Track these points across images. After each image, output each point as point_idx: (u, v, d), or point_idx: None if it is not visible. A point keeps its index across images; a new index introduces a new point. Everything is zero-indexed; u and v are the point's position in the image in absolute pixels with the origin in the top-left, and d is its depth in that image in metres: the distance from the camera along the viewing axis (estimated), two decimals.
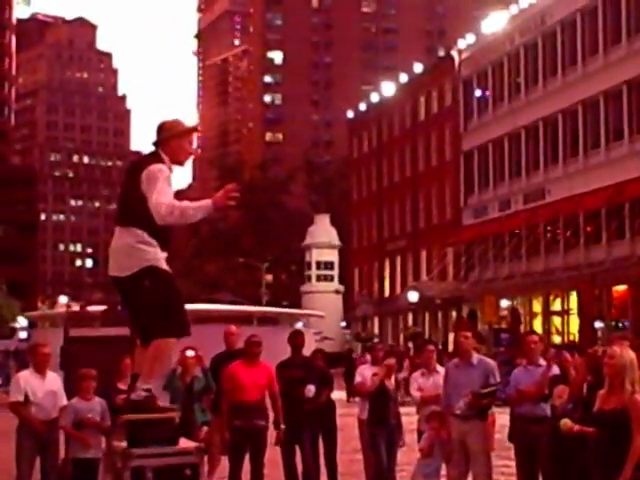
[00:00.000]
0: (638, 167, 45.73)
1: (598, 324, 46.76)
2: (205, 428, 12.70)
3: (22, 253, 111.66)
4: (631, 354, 8.34)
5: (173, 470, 6.84)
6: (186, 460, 6.91)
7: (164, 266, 6.95)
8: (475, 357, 11.09)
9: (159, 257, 6.93)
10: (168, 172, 6.97)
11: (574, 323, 50.33)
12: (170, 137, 7.12)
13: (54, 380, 11.52)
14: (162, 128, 7.20)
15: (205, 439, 11.88)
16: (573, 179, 51.19)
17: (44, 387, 11.26)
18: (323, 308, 56.90)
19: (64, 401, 11.52)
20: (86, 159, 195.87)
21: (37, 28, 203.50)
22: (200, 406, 12.89)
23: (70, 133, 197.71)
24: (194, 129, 7.40)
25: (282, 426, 12.24)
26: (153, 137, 7.16)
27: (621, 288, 48.04)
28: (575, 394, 10.70)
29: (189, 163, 7.40)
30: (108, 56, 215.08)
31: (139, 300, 6.96)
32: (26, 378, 11.38)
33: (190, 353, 12.88)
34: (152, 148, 7.21)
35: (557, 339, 48.96)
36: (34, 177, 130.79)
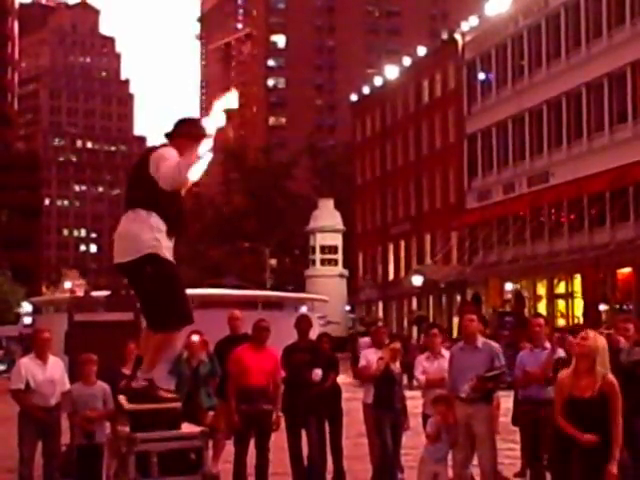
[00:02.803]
0: None
1: (602, 307, 46.78)
2: (211, 413, 12.72)
3: (26, 239, 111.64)
4: (603, 340, 8.19)
5: (178, 454, 6.85)
6: (191, 444, 6.91)
7: (167, 255, 6.94)
8: (480, 340, 11.08)
9: (163, 245, 6.92)
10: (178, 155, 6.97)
11: (578, 306, 50.34)
12: (182, 135, 7.11)
13: (56, 366, 11.53)
14: (180, 123, 7.23)
15: (211, 424, 11.89)
16: (577, 162, 51.08)
17: (45, 373, 11.29)
18: (327, 292, 56.78)
19: (66, 387, 11.54)
20: (89, 144, 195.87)
21: (40, 13, 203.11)
22: (206, 390, 12.91)
23: (73, 118, 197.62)
24: (205, 135, 7.34)
25: (279, 413, 12.30)
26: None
27: (625, 271, 48.00)
28: None
29: None
30: (111, 40, 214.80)
31: (142, 287, 6.98)
32: (27, 365, 11.41)
33: (196, 338, 12.90)
34: (162, 136, 7.25)
35: (561, 322, 48.96)
36: (38, 162, 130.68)
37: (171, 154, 6.89)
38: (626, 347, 10.67)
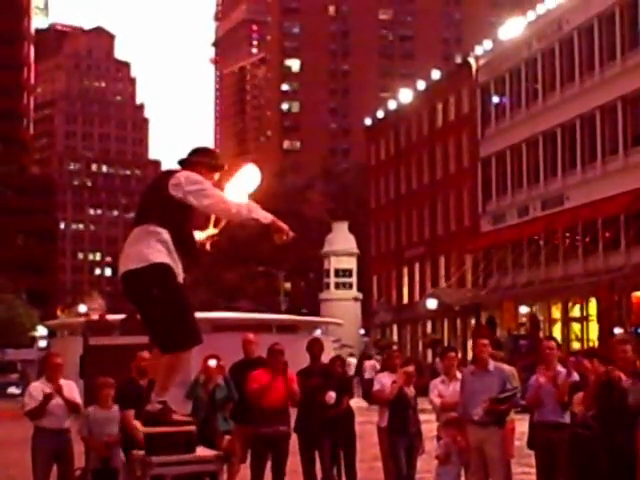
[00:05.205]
0: None
1: (617, 330, 46.52)
2: (227, 437, 12.73)
3: (41, 262, 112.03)
4: None
5: (192, 478, 6.85)
6: (206, 468, 6.91)
7: (175, 269, 6.81)
8: (492, 364, 11.05)
9: (173, 257, 6.80)
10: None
11: (593, 329, 50.13)
12: (199, 163, 7.07)
13: (67, 389, 11.53)
14: (196, 152, 7.17)
15: (227, 448, 11.90)
16: (591, 185, 51.02)
17: (57, 397, 11.29)
18: (342, 316, 56.64)
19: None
20: (104, 168, 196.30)
21: (55, 38, 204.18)
22: (223, 414, 12.93)
23: (88, 142, 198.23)
24: (222, 168, 7.34)
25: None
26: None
27: None
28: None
29: None
30: (126, 65, 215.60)
31: (149, 298, 6.77)
32: (38, 388, 11.43)
33: (213, 362, 12.92)
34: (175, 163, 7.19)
35: (576, 346, 48.76)
36: (53, 186, 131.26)
37: (202, 179, 6.89)
38: (628, 385, 10.21)
